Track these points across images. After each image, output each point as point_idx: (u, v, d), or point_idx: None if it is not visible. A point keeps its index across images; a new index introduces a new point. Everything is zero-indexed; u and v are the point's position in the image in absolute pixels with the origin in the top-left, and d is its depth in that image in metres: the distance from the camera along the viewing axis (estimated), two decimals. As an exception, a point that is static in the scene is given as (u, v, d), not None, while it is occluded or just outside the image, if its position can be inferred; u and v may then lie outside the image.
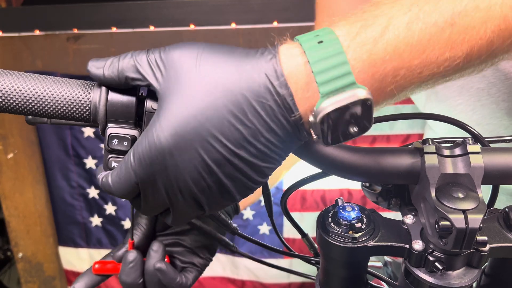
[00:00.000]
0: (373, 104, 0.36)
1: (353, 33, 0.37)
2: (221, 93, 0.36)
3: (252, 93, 0.36)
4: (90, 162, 1.90)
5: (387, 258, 0.98)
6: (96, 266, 0.61)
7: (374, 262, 0.98)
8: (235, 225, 0.65)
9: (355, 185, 1.83)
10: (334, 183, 1.85)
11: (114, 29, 1.71)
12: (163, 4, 1.67)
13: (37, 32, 1.74)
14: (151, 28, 1.70)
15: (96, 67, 0.41)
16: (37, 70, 1.78)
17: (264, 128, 0.36)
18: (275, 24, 1.65)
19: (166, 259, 0.60)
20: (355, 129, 0.36)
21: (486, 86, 0.74)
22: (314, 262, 0.67)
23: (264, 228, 1.91)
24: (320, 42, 0.36)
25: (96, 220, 2.00)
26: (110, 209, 1.97)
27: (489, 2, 0.37)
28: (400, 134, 1.77)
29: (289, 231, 1.84)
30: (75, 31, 1.73)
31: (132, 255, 0.58)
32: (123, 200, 1.95)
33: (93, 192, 1.95)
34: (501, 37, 0.38)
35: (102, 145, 1.88)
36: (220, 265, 2.01)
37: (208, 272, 2.01)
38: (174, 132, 0.36)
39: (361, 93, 0.35)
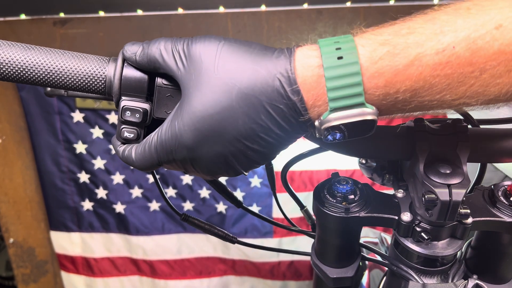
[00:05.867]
0: (376, 123, 0.38)
1: (376, 58, 0.36)
2: (237, 96, 0.38)
3: (266, 96, 0.38)
4: (80, 147, 1.91)
5: (383, 235, 1.02)
6: None
7: (371, 238, 1.02)
8: (240, 199, 0.68)
9: (342, 166, 1.87)
10: (322, 164, 1.89)
11: (101, 13, 1.70)
12: (151, -12, 1.66)
13: (23, 16, 1.72)
14: (139, 12, 1.70)
15: (131, 52, 0.44)
16: (24, 55, 1.76)
17: (276, 126, 0.39)
18: (263, 7, 1.66)
19: None
20: (354, 137, 0.39)
21: None
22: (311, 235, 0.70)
23: (254, 209, 1.95)
24: (340, 58, 0.37)
25: (87, 204, 2.01)
26: (101, 193, 1.98)
27: None
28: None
29: (278, 212, 1.88)
30: (62, 15, 1.71)
31: None
32: (115, 184, 1.96)
33: (83, 177, 1.96)
34: None
35: (91, 130, 1.89)
36: (211, 245, 2.04)
37: (199, 252, 2.05)
38: (193, 128, 0.39)
39: (368, 113, 0.37)
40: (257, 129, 0.39)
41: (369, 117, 0.37)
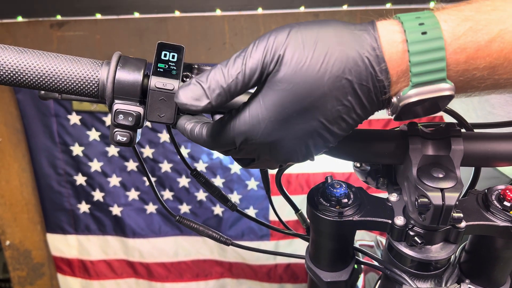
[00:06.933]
0: (452, 99, 0.38)
1: (459, 33, 0.36)
2: (328, 80, 0.37)
3: (355, 77, 0.37)
4: (76, 149, 1.90)
5: (379, 238, 1.02)
6: None
7: (367, 241, 1.02)
8: (237, 201, 0.68)
9: (338, 169, 1.87)
10: (318, 167, 1.89)
11: (98, 16, 1.70)
12: (148, -10, 1.67)
13: (20, 19, 1.72)
14: (136, 14, 1.70)
15: (198, 100, 0.38)
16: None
17: (358, 106, 0.38)
18: (259, 10, 1.66)
19: None
20: (427, 113, 0.39)
21: None
22: (305, 238, 0.70)
23: (251, 212, 1.95)
24: (424, 33, 0.36)
25: (83, 207, 2.00)
26: (97, 195, 1.98)
27: None
28: (382, 119, 1.81)
29: (274, 215, 1.87)
30: (59, 17, 1.71)
31: None
32: (111, 187, 1.96)
33: (80, 179, 1.96)
34: None
35: (88, 133, 1.89)
36: (208, 248, 2.04)
37: (196, 254, 2.05)
38: (280, 119, 0.38)
39: (447, 89, 0.37)
40: (342, 111, 0.38)
41: (447, 93, 0.37)
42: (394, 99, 0.38)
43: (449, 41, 0.36)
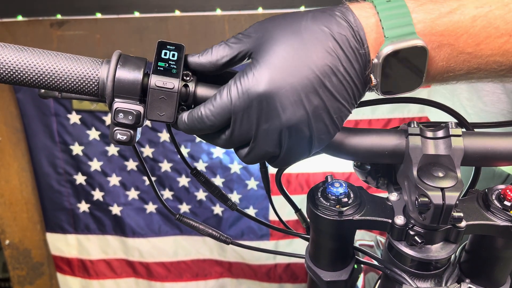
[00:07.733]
0: (428, 55, 0.42)
1: (422, 2, 0.43)
2: (305, 26, 0.43)
3: (330, 27, 0.43)
4: (76, 149, 1.90)
5: (379, 238, 1.02)
6: None
7: (367, 241, 1.02)
8: (236, 201, 0.68)
9: (339, 169, 1.87)
10: (319, 167, 1.89)
11: (98, 15, 1.70)
12: (148, -11, 1.67)
13: (20, 18, 1.72)
14: (136, 14, 1.70)
15: (195, 60, 0.47)
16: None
17: (343, 58, 0.42)
18: (260, 10, 1.66)
19: None
20: (408, 80, 0.44)
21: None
22: (306, 238, 0.70)
23: (251, 211, 1.95)
24: (388, 1, 0.43)
25: (83, 206, 2.00)
26: (97, 195, 1.98)
27: None
28: (382, 118, 1.81)
29: (274, 215, 1.87)
30: (59, 17, 1.71)
31: None
32: (111, 186, 1.96)
33: (80, 179, 1.96)
34: None
35: (88, 132, 1.89)
36: (208, 248, 2.04)
37: (196, 254, 2.05)
38: (272, 63, 0.42)
39: (419, 42, 0.41)
40: (327, 59, 0.42)
41: (420, 43, 0.41)
42: (375, 60, 0.42)
43: (412, 6, 0.42)
